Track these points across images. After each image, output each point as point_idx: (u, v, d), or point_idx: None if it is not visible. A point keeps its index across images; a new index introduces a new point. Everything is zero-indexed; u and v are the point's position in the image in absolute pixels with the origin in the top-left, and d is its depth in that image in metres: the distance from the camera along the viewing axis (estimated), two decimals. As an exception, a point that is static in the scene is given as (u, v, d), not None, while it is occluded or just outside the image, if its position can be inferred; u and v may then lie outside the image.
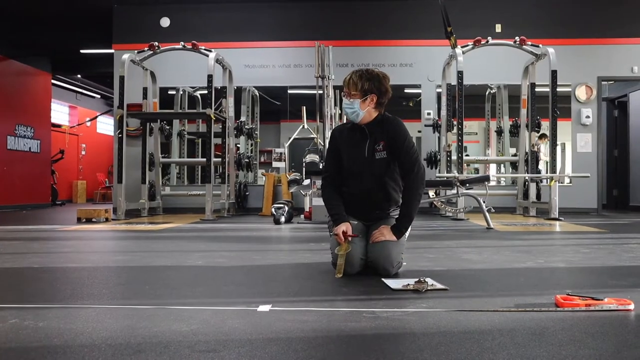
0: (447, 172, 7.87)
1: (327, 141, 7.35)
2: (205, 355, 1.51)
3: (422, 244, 4.26)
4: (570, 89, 9.45)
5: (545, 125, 8.46)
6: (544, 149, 10.05)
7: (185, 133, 10.45)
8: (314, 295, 2.38)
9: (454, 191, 7.04)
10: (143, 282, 2.73)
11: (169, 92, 10.15)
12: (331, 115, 7.56)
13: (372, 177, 2.88)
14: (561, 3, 9.59)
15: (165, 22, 9.80)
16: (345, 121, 8.52)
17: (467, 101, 7.91)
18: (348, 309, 2.07)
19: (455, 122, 8.02)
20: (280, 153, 10.27)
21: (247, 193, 9.47)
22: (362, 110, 2.87)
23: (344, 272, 2.76)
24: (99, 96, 17.02)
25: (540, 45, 8.00)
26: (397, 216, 2.90)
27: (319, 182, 6.98)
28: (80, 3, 9.69)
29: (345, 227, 2.80)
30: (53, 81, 13.25)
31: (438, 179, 7.73)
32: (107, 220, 7.25)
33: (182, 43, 8.34)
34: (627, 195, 10.57)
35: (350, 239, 2.77)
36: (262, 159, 11.24)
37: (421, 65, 9.58)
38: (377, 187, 2.89)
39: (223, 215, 8.24)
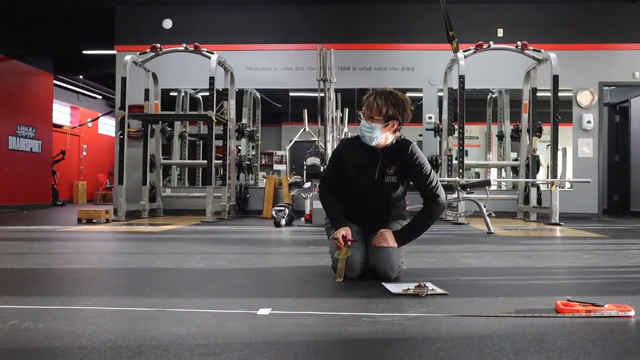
0: (448, 176, 7.87)
1: (328, 144, 7.38)
2: (204, 358, 1.51)
3: (422, 248, 4.25)
4: (571, 94, 9.45)
5: (546, 130, 8.46)
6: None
7: (187, 135, 10.44)
8: (313, 298, 2.38)
9: (455, 195, 7.03)
10: (143, 284, 2.73)
11: (171, 94, 10.16)
12: (332, 118, 7.56)
13: (378, 198, 2.86)
14: (563, 8, 9.59)
15: (167, 23, 9.82)
16: (346, 131, 8.54)
17: (469, 105, 7.90)
18: (348, 313, 2.06)
19: (456, 126, 8.01)
20: (281, 155, 10.27)
21: (248, 195, 9.46)
22: (382, 136, 2.79)
23: (344, 276, 2.76)
24: (100, 97, 17.04)
25: (542, 50, 8.00)
26: (400, 221, 2.91)
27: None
28: (82, 4, 9.70)
29: (345, 231, 2.79)
30: (55, 81, 13.26)
31: (439, 183, 7.71)
32: (107, 221, 7.25)
33: (184, 45, 8.34)
34: (628, 200, 10.56)
35: (350, 243, 2.77)
36: (263, 162, 11.23)
37: (423, 69, 9.58)
38: (380, 207, 2.89)
39: (223, 218, 8.24)
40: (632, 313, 2.02)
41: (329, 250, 2.94)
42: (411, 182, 2.95)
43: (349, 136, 3.14)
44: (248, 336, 1.76)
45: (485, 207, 6.21)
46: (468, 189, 6.98)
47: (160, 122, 9.18)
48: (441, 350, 1.61)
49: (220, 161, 8.45)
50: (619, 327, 1.90)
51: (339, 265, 2.73)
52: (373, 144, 2.81)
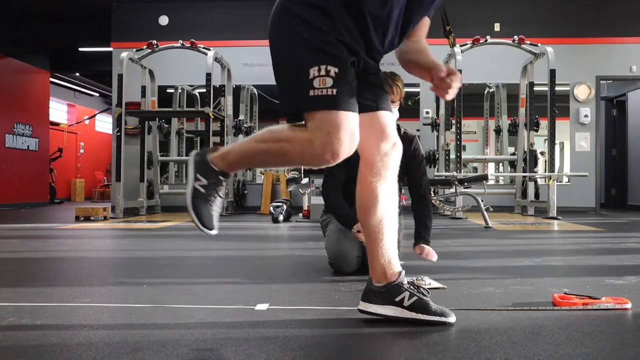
0: (445, 171, 7.88)
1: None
2: (202, 353, 1.52)
3: (420, 242, 4.26)
4: (568, 88, 9.45)
5: (543, 124, 8.47)
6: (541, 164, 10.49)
7: (184, 131, 10.44)
8: (311, 293, 2.38)
9: (453, 190, 7.04)
10: (141, 281, 2.73)
11: (168, 91, 10.14)
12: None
13: None
14: (560, 2, 9.59)
15: (163, 20, 9.79)
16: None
17: (466, 100, 7.91)
18: (346, 307, 2.07)
19: (453, 121, 8.02)
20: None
21: (246, 192, 9.46)
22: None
23: (340, 271, 2.78)
24: (97, 94, 17.00)
25: (539, 44, 8.00)
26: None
27: (317, 181, 6.97)
28: (79, 1, 9.68)
29: None
30: (51, 79, 13.22)
31: (436, 177, 7.74)
32: (105, 218, 7.25)
33: (181, 41, 8.33)
34: (626, 194, 10.58)
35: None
36: (261, 158, 11.18)
37: (420, 64, 9.55)
38: None
39: (221, 214, 8.21)
40: (629, 305, 2.02)
41: (325, 246, 2.94)
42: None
43: None
44: (246, 331, 1.77)
45: (482, 201, 6.22)
46: (466, 184, 6.99)
47: (157, 118, 9.17)
48: (438, 343, 1.62)
49: (218, 158, 8.44)
50: (615, 319, 1.91)
51: None
52: None
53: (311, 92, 1.65)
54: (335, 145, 1.62)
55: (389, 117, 1.86)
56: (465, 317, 1.91)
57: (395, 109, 2.79)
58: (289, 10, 1.78)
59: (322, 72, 1.66)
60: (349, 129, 1.65)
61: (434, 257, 2.69)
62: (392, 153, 1.85)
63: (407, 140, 2.90)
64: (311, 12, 1.71)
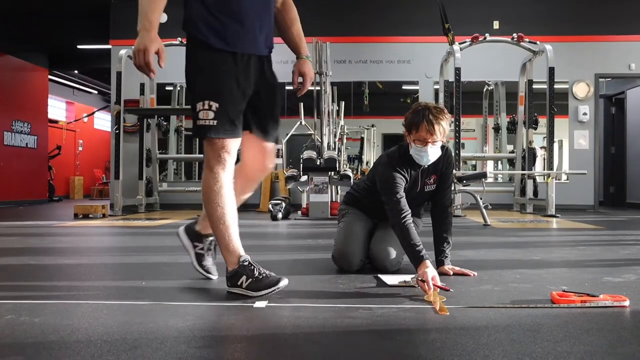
0: (444, 169, 7.87)
1: (324, 137, 7.37)
2: (201, 351, 1.52)
3: (419, 240, 4.26)
4: (567, 86, 9.46)
5: (542, 122, 8.47)
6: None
7: (183, 129, 10.42)
8: (310, 291, 2.39)
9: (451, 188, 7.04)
10: (139, 278, 2.73)
11: (167, 88, 10.12)
12: (328, 112, 7.55)
13: (411, 204, 2.74)
14: (559, 0, 9.58)
15: (162, 17, 9.71)
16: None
17: (465, 98, 7.90)
18: (344, 304, 2.07)
19: (452, 119, 8.01)
20: (278, 149, 10.27)
21: (245, 189, 9.45)
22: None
23: (341, 268, 2.80)
24: (96, 92, 16.97)
25: (538, 42, 7.99)
26: (414, 219, 2.94)
27: (316, 179, 6.97)
28: (77, -2, 9.66)
29: (434, 272, 2.33)
30: (50, 77, 13.19)
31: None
32: (104, 216, 7.24)
33: (179, 39, 8.31)
34: (624, 192, 10.59)
35: (437, 289, 2.23)
36: (260, 155, 11.15)
37: (419, 61, 9.56)
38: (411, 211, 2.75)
39: (220, 212, 8.22)
40: (626, 303, 2.03)
41: (334, 240, 2.93)
42: None
43: (387, 153, 2.94)
44: (245, 329, 1.77)
45: (481, 199, 6.22)
46: (464, 181, 6.98)
47: (156, 116, 9.16)
48: (437, 341, 1.62)
49: (217, 155, 8.44)
50: (613, 316, 1.91)
51: (434, 300, 2.12)
52: (431, 162, 2.71)
53: (198, 122, 2.17)
54: (222, 164, 2.23)
55: (270, 148, 2.41)
56: (463, 314, 1.92)
57: (437, 147, 2.63)
58: (195, 46, 2.44)
59: (206, 107, 2.16)
60: (228, 150, 2.22)
61: (472, 273, 2.70)
62: (262, 175, 2.58)
63: (444, 154, 2.78)
64: (209, 52, 2.31)
